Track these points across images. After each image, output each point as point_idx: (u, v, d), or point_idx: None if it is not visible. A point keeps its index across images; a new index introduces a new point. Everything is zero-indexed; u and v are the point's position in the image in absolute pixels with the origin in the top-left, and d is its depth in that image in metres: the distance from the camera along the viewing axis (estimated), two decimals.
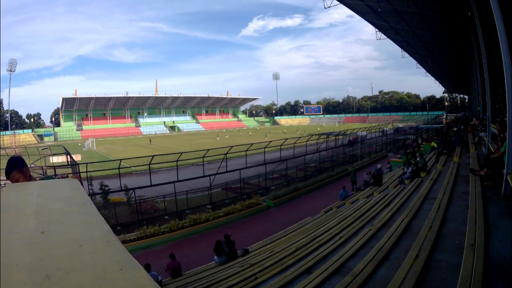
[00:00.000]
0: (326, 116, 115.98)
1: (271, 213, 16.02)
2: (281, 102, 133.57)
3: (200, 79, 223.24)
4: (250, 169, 19.14)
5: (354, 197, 14.59)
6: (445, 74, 45.00)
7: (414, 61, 42.08)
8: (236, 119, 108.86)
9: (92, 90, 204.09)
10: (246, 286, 5.49)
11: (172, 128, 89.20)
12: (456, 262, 3.87)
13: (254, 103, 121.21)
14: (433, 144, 17.84)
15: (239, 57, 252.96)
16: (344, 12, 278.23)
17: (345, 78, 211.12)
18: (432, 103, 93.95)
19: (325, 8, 22.17)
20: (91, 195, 14.09)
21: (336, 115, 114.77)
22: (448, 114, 58.91)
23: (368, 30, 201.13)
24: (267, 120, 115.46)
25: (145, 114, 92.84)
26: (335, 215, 10.71)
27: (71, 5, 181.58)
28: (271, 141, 22.64)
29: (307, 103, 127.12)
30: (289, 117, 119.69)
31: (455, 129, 19.71)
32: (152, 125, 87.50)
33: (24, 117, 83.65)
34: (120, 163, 14.68)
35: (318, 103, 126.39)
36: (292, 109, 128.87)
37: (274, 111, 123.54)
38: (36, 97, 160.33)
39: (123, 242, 11.22)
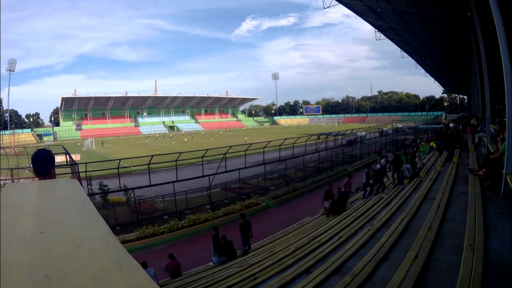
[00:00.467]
0: (325, 116, 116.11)
1: (270, 213, 16.02)
2: (280, 102, 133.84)
3: (199, 78, 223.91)
4: (250, 169, 19.13)
5: (353, 197, 14.61)
6: (445, 75, 45.07)
7: (414, 61, 42.16)
8: (235, 119, 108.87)
9: (93, 89, 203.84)
10: (245, 286, 5.48)
11: (172, 128, 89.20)
12: (456, 262, 3.87)
13: (254, 103, 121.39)
14: (432, 144, 17.88)
15: (239, 57, 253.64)
16: (344, 11, 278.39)
17: (344, 78, 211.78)
18: (431, 103, 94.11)
19: (324, 8, 22.22)
20: (90, 195, 14.07)
21: (335, 115, 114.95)
22: (448, 115, 59.02)
23: (367, 29, 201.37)
24: (266, 120, 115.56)
25: (144, 114, 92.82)
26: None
27: (73, 1, 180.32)
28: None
29: (306, 103, 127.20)
30: (288, 117, 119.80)
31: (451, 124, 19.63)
32: (151, 125, 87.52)
33: (23, 116, 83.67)
34: (119, 163, 14.67)
35: (317, 103, 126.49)
36: (292, 109, 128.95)
37: (273, 111, 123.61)
38: (35, 97, 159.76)
39: (123, 242, 11.20)
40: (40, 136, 67.12)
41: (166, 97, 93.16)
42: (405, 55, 36.48)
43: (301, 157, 22.48)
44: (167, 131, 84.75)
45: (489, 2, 5.80)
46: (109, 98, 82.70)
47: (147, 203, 15.70)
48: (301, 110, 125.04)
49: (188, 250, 11.74)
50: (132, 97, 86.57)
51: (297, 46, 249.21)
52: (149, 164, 14.47)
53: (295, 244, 7.69)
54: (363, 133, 36.27)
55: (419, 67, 45.79)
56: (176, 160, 15.43)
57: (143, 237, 12.31)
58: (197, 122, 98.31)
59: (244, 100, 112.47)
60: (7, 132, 62.04)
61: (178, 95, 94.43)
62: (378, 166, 17.03)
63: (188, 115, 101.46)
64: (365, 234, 6.06)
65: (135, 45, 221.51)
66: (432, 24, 19.07)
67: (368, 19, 23.59)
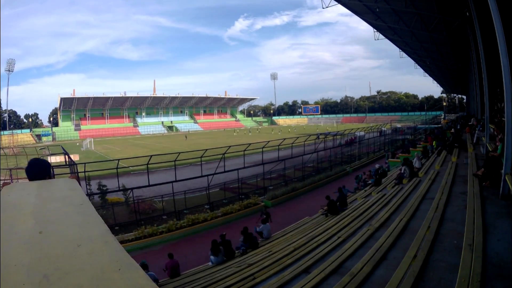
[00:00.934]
0: (324, 116, 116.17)
1: (269, 213, 15.98)
2: (279, 102, 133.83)
3: (198, 78, 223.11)
4: (248, 169, 19.12)
5: (352, 197, 14.64)
6: (443, 74, 45.16)
7: (412, 61, 42.18)
8: (234, 119, 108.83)
9: (92, 89, 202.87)
10: (244, 286, 5.47)
11: (170, 128, 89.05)
12: (454, 262, 3.87)
13: (252, 103, 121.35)
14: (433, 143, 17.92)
15: (239, 57, 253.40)
16: (340, 10, 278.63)
17: (342, 78, 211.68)
18: (430, 103, 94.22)
19: (323, 8, 22.21)
20: (89, 195, 14.05)
21: (334, 115, 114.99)
22: (446, 114, 59.12)
23: (364, 28, 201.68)
24: (265, 120, 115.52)
25: (143, 114, 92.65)
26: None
27: None
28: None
29: (305, 103, 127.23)
30: (287, 117, 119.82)
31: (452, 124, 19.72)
32: (150, 125, 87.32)
33: (22, 117, 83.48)
34: (118, 163, 14.65)
35: (316, 103, 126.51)
36: (290, 109, 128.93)
37: (272, 111, 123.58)
38: (34, 96, 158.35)
39: (121, 242, 11.18)
40: (39, 137, 66.99)
41: (165, 97, 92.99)
42: (404, 55, 36.51)
43: (300, 157, 22.50)
44: (165, 131, 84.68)
45: (488, 2, 5.82)
46: (107, 98, 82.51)
47: (146, 203, 15.67)
48: (300, 110, 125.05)
49: (187, 250, 11.73)
50: (131, 97, 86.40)
51: (295, 45, 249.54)
52: (147, 164, 14.46)
53: (294, 244, 7.69)
54: (362, 133, 36.31)
55: (418, 67, 45.85)
56: (175, 160, 15.42)
57: (141, 237, 12.29)
58: (195, 122, 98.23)
59: (242, 100, 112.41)
60: (5, 132, 61.80)
61: (177, 95, 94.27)
62: (377, 165, 17.10)
63: (186, 115, 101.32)
64: (364, 234, 6.06)
65: (138, 43, 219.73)
66: (431, 24, 19.10)
67: (367, 19, 23.61)
